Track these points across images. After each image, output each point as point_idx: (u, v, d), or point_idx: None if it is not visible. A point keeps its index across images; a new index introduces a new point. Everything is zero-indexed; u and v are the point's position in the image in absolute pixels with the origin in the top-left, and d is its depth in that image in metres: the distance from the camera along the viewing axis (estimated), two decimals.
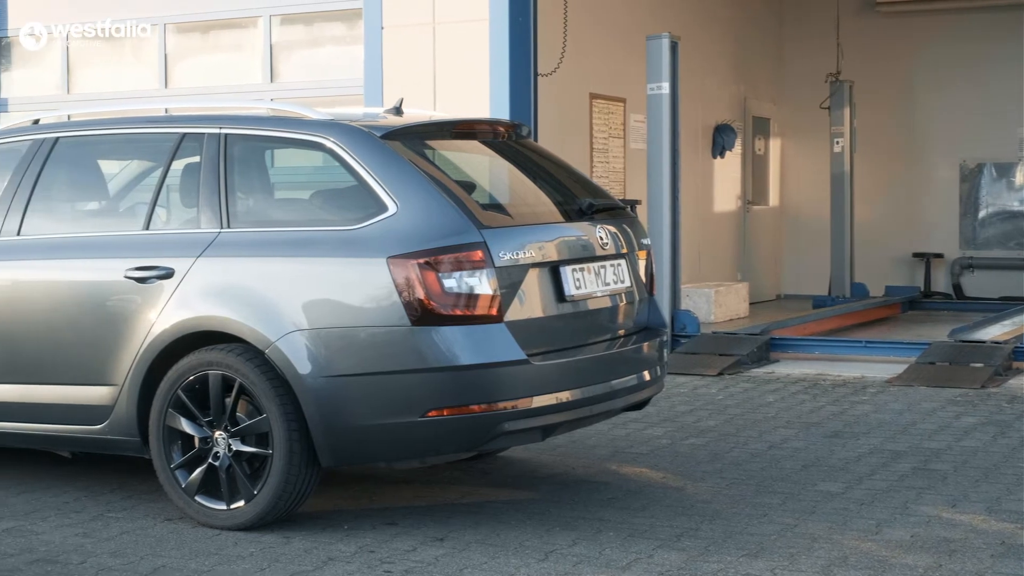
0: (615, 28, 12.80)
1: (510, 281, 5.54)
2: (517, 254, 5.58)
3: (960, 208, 16.45)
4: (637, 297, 6.37)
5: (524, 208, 6.23)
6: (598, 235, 6.06)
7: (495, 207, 6.22)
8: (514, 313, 5.54)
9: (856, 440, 7.55)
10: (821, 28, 16.29)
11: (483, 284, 5.42)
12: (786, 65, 16.96)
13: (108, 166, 7.02)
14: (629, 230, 6.41)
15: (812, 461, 7.00)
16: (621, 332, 6.26)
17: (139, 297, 5.87)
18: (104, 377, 5.95)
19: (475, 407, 5.40)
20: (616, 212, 6.48)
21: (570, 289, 5.84)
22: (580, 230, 6.04)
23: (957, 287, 16.31)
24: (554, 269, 5.80)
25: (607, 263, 6.12)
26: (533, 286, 5.68)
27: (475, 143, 6.50)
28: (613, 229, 6.21)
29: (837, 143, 15.53)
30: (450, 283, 5.38)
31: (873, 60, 16.32)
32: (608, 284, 6.11)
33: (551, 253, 5.80)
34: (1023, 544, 5.37)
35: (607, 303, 6.13)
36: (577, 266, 5.91)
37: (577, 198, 6.30)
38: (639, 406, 6.40)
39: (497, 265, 5.47)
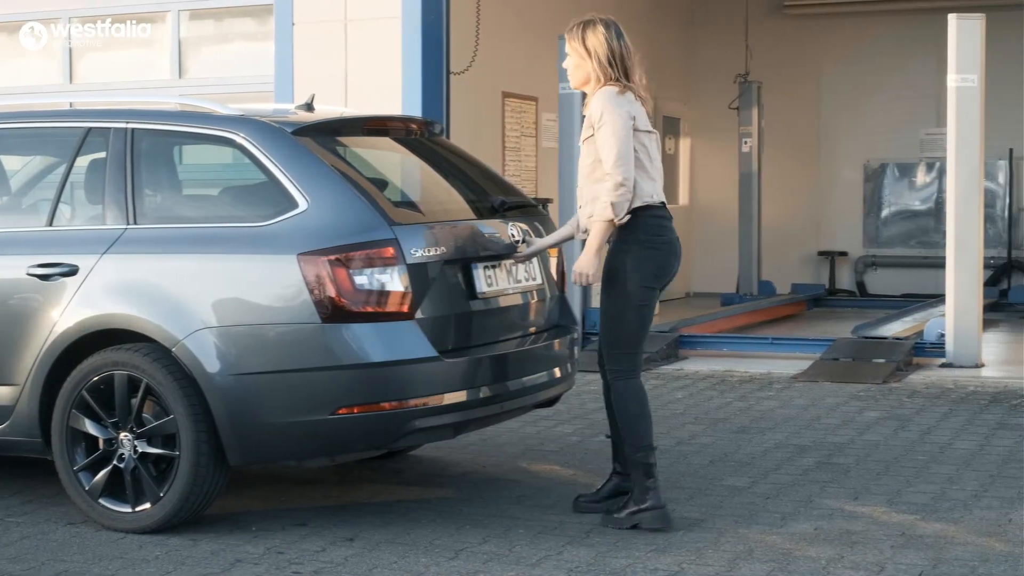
0: (528, 27, 12.81)
1: (422, 278, 5.51)
2: (429, 251, 5.55)
3: (864, 207, 16.74)
4: (548, 295, 6.38)
5: (436, 205, 6.21)
6: (510, 232, 6.06)
7: (407, 204, 6.20)
8: (425, 310, 5.51)
9: (762, 435, 7.62)
10: (730, 29, 16.44)
11: (394, 281, 5.40)
12: (696, 65, 17.09)
13: (10, 161, 6.88)
14: (541, 228, 6.42)
15: (719, 456, 7.06)
16: (532, 329, 6.26)
17: (41, 295, 5.76)
18: (5, 376, 5.82)
19: (386, 404, 5.37)
20: (528, 210, 6.49)
21: (482, 286, 5.83)
22: (492, 227, 6.04)
23: (861, 285, 16.59)
24: (466, 266, 5.79)
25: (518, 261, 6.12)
26: (445, 283, 5.66)
27: (387, 140, 6.46)
28: (525, 227, 6.21)
29: (745, 143, 15.69)
30: (361, 280, 5.35)
31: (781, 61, 16.52)
32: (520, 281, 6.11)
33: (463, 250, 5.79)
34: (922, 535, 5.46)
35: (518, 300, 6.13)
36: (489, 263, 5.91)
37: (489, 196, 6.29)
38: (550, 403, 6.42)
39: (409, 262, 5.44)
